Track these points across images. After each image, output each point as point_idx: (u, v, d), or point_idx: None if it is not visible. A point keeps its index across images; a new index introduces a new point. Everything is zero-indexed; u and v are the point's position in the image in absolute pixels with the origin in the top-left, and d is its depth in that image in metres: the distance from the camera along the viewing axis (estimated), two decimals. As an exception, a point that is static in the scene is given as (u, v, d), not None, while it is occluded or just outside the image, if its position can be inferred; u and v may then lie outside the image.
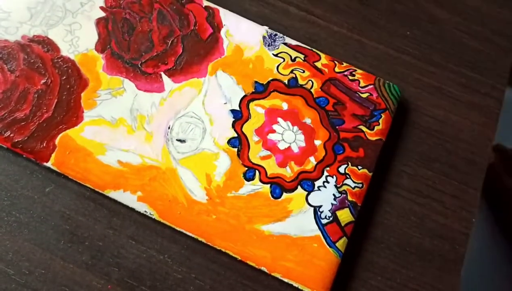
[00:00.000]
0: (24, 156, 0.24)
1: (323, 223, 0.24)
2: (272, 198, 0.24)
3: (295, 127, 0.25)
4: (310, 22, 0.29)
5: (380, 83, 0.27)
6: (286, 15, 0.29)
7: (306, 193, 0.24)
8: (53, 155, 0.24)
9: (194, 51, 0.26)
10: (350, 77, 0.27)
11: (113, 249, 0.24)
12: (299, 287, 0.23)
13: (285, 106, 0.26)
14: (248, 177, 0.24)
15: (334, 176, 0.25)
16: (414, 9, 0.30)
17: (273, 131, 0.25)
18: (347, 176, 0.25)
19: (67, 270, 0.23)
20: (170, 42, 0.26)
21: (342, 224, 0.24)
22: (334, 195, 0.24)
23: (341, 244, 0.23)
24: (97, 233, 0.24)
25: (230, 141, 0.25)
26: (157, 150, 0.24)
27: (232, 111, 0.25)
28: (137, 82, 0.25)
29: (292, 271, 0.23)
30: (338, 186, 0.24)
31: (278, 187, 0.24)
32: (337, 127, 0.26)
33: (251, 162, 0.25)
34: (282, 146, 0.25)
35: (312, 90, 0.26)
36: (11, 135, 0.24)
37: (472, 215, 0.27)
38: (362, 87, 0.26)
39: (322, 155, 0.25)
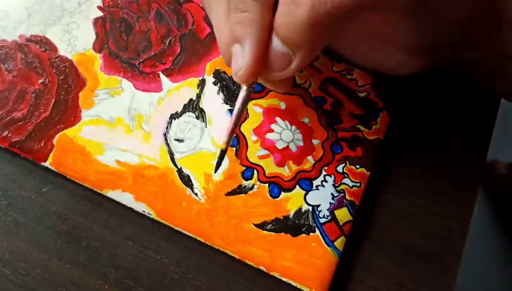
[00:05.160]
0: (22, 156, 0.24)
1: (321, 222, 0.24)
2: (270, 197, 0.24)
3: (293, 127, 0.25)
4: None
5: (378, 82, 0.27)
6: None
7: (304, 192, 0.24)
8: (51, 155, 0.24)
9: (192, 50, 0.26)
10: (348, 77, 0.27)
11: (110, 249, 0.24)
12: (298, 286, 0.23)
13: (283, 105, 0.26)
14: (246, 176, 0.24)
15: (332, 175, 0.25)
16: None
17: (271, 130, 0.25)
18: (345, 175, 0.25)
19: (64, 270, 0.23)
20: (168, 41, 0.26)
21: (340, 223, 0.24)
22: (332, 194, 0.24)
23: (339, 243, 0.23)
24: (94, 233, 0.24)
25: (228, 141, 0.25)
26: (155, 150, 0.24)
27: (230, 110, 0.25)
28: (135, 81, 0.25)
29: (290, 270, 0.23)
30: (336, 185, 0.24)
31: (276, 186, 0.24)
32: (335, 126, 0.26)
33: (249, 161, 0.24)
34: (280, 145, 0.25)
35: (310, 89, 0.26)
36: (9, 135, 0.24)
37: (470, 215, 0.27)
38: (360, 86, 0.26)
39: (320, 154, 0.25)
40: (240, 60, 0.19)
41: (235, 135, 0.24)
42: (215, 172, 0.23)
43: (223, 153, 0.22)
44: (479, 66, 0.25)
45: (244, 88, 0.21)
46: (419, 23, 0.21)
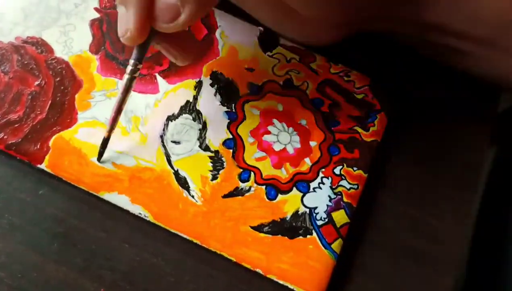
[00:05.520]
0: (17, 158, 0.24)
1: (318, 224, 0.23)
2: (267, 200, 0.24)
3: (291, 129, 0.25)
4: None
5: (376, 84, 0.27)
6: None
7: (301, 194, 0.24)
8: (47, 157, 0.23)
9: (189, 52, 0.26)
10: (345, 78, 0.26)
11: (106, 252, 0.23)
12: (295, 289, 0.22)
13: (280, 107, 0.26)
14: (243, 178, 0.24)
15: (330, 177, 0.24)
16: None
17: (268, 132, 0.25)
18: (343, 177, 0.25)
19: (60, 273, 0.23)
20: (164, 43, 0.26)
21: (338, 226, 0.24)
22: (329, 196, 0.24)
23: (336, 245, 0.23)
24: (90, 235, 0.24)
25: (225, 143, 0.25)
26: (151, 152, 0.24)
27: (227, 112, 0.25)
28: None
29: (287, 272, 0.23)
30: (333, 187, 0.24)
31: (273, 189, 0.24)
32: (332, 128, 0.25)
33: (246, 163, 0.24)
34: (277, 147, 0.25)
35: (308, 91, 0.26)
36: (4, 137, 0.24)
37: (468, 217, 0.26)
38: (357, 88, 0.26)
39: (318, 156, 0.25)
40: (124, 23, 0.19)
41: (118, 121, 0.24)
42: (98, 160, 0.24)
43: (105, 141, 0.23)
44: (406, 38, 0.25)
45: (125, 76, 0.21)
46: None
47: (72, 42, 0.26)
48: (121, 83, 0.21)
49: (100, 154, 0.23)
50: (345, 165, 0.25)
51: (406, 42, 0.27)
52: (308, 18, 0.23)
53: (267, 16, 0.25)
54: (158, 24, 0.19)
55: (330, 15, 0.22)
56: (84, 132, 0.24)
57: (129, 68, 0.21)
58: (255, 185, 0.24)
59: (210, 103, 0.25)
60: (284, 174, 0.24)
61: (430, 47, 0.26)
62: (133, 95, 0.25)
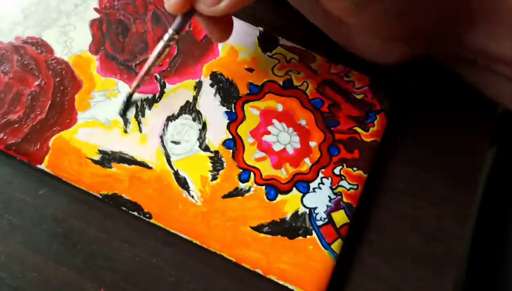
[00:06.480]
0: (17, 158, 0.24)
1: (318, 224, 0.23)
2: (267, 200, 0.24)
3: (290, 129, 0.25)
4: (305, 23, 0.29)
5: (375, 84, 0.27)
6: (281, 16, 0.29)
7: (301, 194, 0.24)
8: (46, 157, 0.23)
9: (189, 52, 0.26)
10: (345, 79, 0.26)
11: (106, 252, 0.23)
12: (295, 289, 0.22)
13: (280, 107, 0.26)
14: (243, 179, 0.24)
15: (329, 178, 0.24)
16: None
17: (268, 133, 0.25)
18: (342, 177, 0.25)
19: (60, 273, 0.23)
20: (164, 43, 0.26)
21: (337, 226, 0.24)
22: (329, 196, 0.24)
23: (336, 245, 0.23)
24: (90, 236, 0.24)
25: (225, 143, 0.25)
26: (151, 152, 0.24)
27: (227, 113, 0.25)
28: (131, 83, 0.25)
29: (287, 273, 0.23)
30: (333, 187, 0.24)
31: (273, 189, 0.24)
32: (332, 128, 0.25)
33: (246, 163, 0.24)
34: (277, 147, 0.25)
35: (307, 91, 0.26)
36: (4, 137, 0.24)
37: (467, 217, 0.26)
38: (357, 88, 0.26)
39: (317, 157, 0.25)
40: None
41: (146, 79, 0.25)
42: (120, 115, 0.24)
43: (129, 96, 0.25)
44: (464, 63, 0.25)
45: (161, 42, 0.23)
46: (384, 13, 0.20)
47: (72, 42, 0.26)
48: (156, 49, 0.23)
49: (124, 109, 0.25)
50: (345, 165, 0.25)
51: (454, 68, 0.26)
52: (358, 28, 0.22)
53: (320, 24, 0.25)
54: (198, 5, 0.19)
55: (375, 26, 0.21)
56: (84, 132, 0.24)
57: (166, 35, 0.22)
58: (255, 185, 0.24)
59: (210, 104, 0.25)
60: (284, 174, 0.24)
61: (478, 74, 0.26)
62: (133, 95, 0.25)
